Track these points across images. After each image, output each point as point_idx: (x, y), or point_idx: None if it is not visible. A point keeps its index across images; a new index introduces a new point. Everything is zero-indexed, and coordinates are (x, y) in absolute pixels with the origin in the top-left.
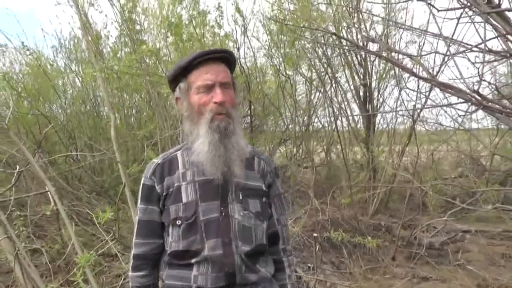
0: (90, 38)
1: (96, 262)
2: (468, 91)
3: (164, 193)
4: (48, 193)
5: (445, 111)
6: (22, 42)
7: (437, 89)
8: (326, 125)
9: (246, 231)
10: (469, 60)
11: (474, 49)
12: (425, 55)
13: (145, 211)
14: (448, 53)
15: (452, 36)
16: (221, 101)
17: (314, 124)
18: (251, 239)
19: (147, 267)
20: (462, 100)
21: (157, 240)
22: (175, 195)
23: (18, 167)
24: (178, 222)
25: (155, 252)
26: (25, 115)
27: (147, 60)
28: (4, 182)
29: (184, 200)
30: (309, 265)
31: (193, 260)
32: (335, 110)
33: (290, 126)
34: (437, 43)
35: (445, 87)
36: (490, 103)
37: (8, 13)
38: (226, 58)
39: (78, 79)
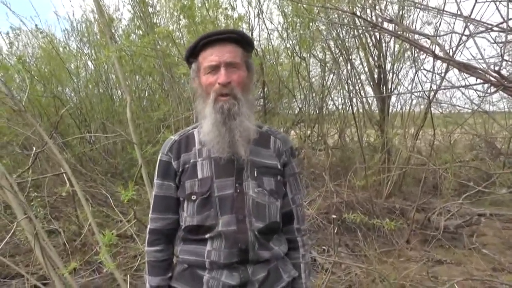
0: (104, 21)
1: (113, 243)
2: (487, 71)
3: (180, 169)
4: (64, 174)
5: (463, 93)
6: (36, 25)
7: (453, 71)
8: (340, 107)
9: (260, 208)
10: (491, 40)
11: (495, 28)
12: (442, 35)
13: (162, 186)
14: (466, 33)
15: (470, 15)
16: (224, 82)
17: (328, 106)
18: (265, 216)
19: (163, 242)
20: (480, 81)
21: (173, 216)
22: (191, 170)
23: (34, 148)
24: (193, 197)
25: (171, 228)
26: (39, 98)
27: (161, 43)
28: (20, 164)
29: (200, 175)
30: (324, 247)
31: (207, 235)
32: (349, 92)
33: (304, 108)
34: (454, 23)
35: (464, 67)
36: (511, 84)
37: None
38: (235, 39)
39: (91, 62)
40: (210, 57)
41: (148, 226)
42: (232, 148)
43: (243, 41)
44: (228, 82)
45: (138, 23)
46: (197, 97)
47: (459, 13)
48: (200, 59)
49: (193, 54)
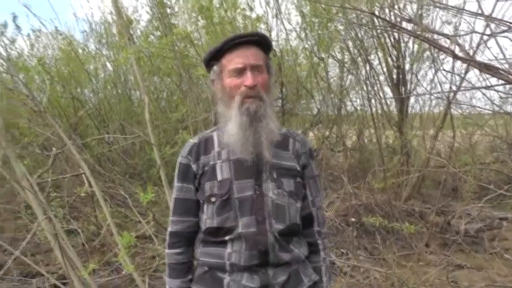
0: (123, 22)
1: (132, 244)
2: (509, 71)
3: (199, 172)
4: (83, 175)
5: (484, 94)
6: (56, 27)
7: (474, 71)
8: (359, 108)
9: (279, 209)
10: (511, 39)
11: None
12: (463, 35)
13: (181, 189)
14: (487, 32)
15: (492, 14)
16: (251, 85)
17: (347, 107)
18: (285, 217)
19: (183, 244)
20: (502, 82)
21: (193, 218)
22: (210, 173)
23: (54, 149)
24: (213, 199)
25: (191, 230)
26: (58, 99)
27: (179, 44)
28: (40, 164)
29: (219, 177)
30: (342, 250)
31: (227, 237)
32: (367, 93)
33: (322, 109)
34: (475, 22)
35: (485, 68)
36: None
37: None
38: (258, 41)
39: (109, 63)
40: (235, 59)
41: (168, 229)
42: (257, 150)
43: (264, 44)
44: (255, 85)
45: (156, 24)
46: (218, 99)
47: (480, 12)
48: (223, 62)
49: (215, 56)
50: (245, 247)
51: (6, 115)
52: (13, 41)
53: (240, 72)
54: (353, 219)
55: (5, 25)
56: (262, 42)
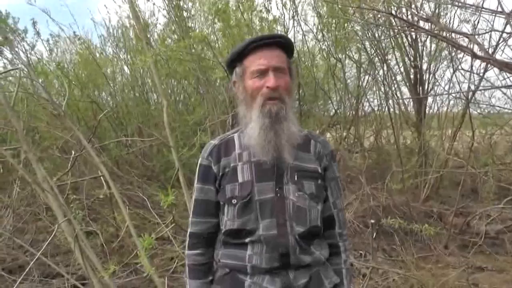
0: (141, 26)
1: (152, 246)
2: None
3: (220, 173)
4: (102, 177)
5: (504, 93)
6: (74, 32)
7: (494, 70)
8: (376, 109)
9: (300, 212)
10: None
11: None
12: (482, 34)
13: (202, 190)
14: (508, 30)
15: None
16: (274, 86)
17: (364, 108)
18: (305, 220)
19: (203, 245)
20: None
21: (213, 219)
22: (231, 174)
23: (73, 152)
24: (234, 201)
25: (211, 231)
26: (77, 103)
27: (195, 47)
28: (59, 167)
29: (240, 179)
30: (361, 252)
31: (247, 239)
32: (385, 93)
33: (339, 110)
34: (493, 20)
35: (506, 66)
36: None
37: (61, 4)
38: (281, 43)
39: (127, 66)
40: (258, 60)
41: (188, 230)
42: (277, 152)
43: (287, 47)
44: (277, 87)
45: (173, 28)
46: (239, 101)
47: (499, 9)
48: (246, 63)
49: (238, 57)
50: (265, 250)
51: (27, 119)
52: (33, 47)
53: (262, 73)
54: (372, 221)
55: (25, 31)
56: (285, 45)
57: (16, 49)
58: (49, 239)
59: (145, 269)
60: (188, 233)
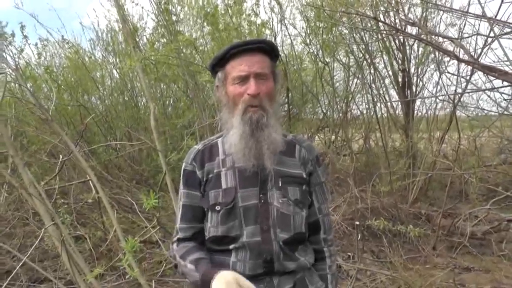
0: (128, 30)
1: (138, 249)
2: None
3: (204, 179)
4: (90, 181)
5: (489, 96)
6: (62, 36)
7: (479, 73)
8: (365, 112)
9: (284, 218)
10: None
11: None
12: (467, 37)
13: (188, 195)
14: (491, 35)
15: (496, 16)
16: (254, 93)
17: (353, 111)
18: (290, 226)
19: (192, 241)
20: (507, 83)
21: (200, 225)
22: (214, 180)
23: (61, 156)
24: (217, 207)
25: (199, 236)
26: (66, 107)
27: (184, 50)
28: (48, 171)
29: (224, 186)
30: (349, 253)
31: (231, 246)
32: (373, 96)
33: (328, 113)
34: (479, 24)
35: (489, 70)
36: None
37: (49, 8)
38: (263, 48)
39: (116, 70)
40: (239, 67)
41: (177, 236)
42: (258, 160)
43: (271, 51)
44: (258, 94)
45: (162, 32)
46: (222, 106)
47: (483, 14)
48: (228, 68)
49: (219, 62)
50: (249, 256)
51: (14, 123)
52: (21, 51)
53: (243, 79)
54: (357, 223)
55: (13, 35)
56: (268, 50)
57: (4, 53)
58: (36, 244)
59: (129, 272)
60: (175, 238)
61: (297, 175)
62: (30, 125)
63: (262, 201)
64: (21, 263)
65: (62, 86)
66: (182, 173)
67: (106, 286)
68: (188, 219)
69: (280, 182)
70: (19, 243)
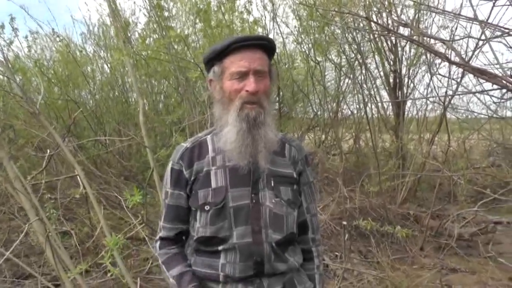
0: (119, 25)
1: (124, 246)
2: (504, 76)
3: (192, 178)
4: (78, 176)
5: (478, 98)
6: (53, 29)
7: (469, 76)
8: (355, 112)
9: (277, 219)
10: (508, 44)
11: None
12: (458, 39)
13: (172, 195)
14: (483, 38)
15: (487, 19)
16: (253, 91)
17: (343, 111)
18: (283, 227)
19: (174, 244)
20: (496, 87)
21: (183, 226)
22: (204, 179)
23: (48, 151)
24: (207, 207)
25: (181, 237)
26: (55, 101)
27: (175, 46)
28: (36, 165)
29: (213, 185)
30: (336, 253)
31: (220, 247)
32: (364, 97)
33: (319, 112)
34: (471, 27)
35: (479, 73)
36: None
37: (40, 0)
38: (263, 45)
39: (107, 65)
40: (239, 62)
41: (159, 234)
42: (254, 158)
43: (270, 49)
44: (257, 91)
45: (153, 27)
46: (215, 101)
47: (475, 17)
48: (226, 63)
49: (217, 56)
50: (239, 258)
51: (2, 116)
52: (10, 43)
53: (242, 76)
54: (344, 222)
55: (2, 27)
56: (268, 47)
57: None
58: (20, 239)
59: (111, 270)
60: (157, 237)
61: (288, 174)
62: (18, 118)
63: (254, 201)
64: (3, 258)
65: (52, 80)
66: (169, 171)
67: (91, 283)
68: (171, 219)
69: (272, 182)
70: (4, 238)
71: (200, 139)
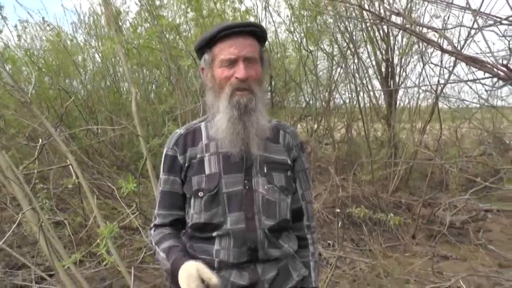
0: (110, 14)
1: (117, 235)
2: (496, 64)
3: (186, 164)
4: (70, 166)
5: (470, 87)
6: (43, 18)
7: (461, 65)
8: (347, 101)
9: (270, 205)
10: (499, 33)
11: (504, 22)
12: (450, 28)
13: (167, 181)
14: (475, 26)
15: (479, 8)
16: (243, 77)
17: (335, 100)
18: (275, 213)
19: (169, 229)
20: (488, 75)
21: (179, 212)
22: (198, 166)
23: (40, 140)
24: (201, 194)
25: (177, 224)
26: (47, 91)
27: (167, 35)
28: (27, 156)
29: (207, 171)
30: (329, 241)
31: (214, 233)
32: (356, 86)
33: (311, 102)
34: (463, 16)
35: (472, 61)
36: None
37: None
38: (254, 32)
39: (98, 54)
40: (228, 49)
41: (154, 222)
42: (245, 145)
43: (261, 35)
44: (246, 78)
45: (145, 16)
46: (207, 89)
47: (468, 6)
48: (215, 51)
49: (207, 44)
50: (234, 244)
51: None
52: None
53: (232, 63)
54: (338, 210)
55: None
56: (258, 33)
57: None
58: (13, 229)
59: (106, 259)
60: (152, 224)
61: (282, 161)
62: (9, 108)
63: (247, 187)
64: None
65: (43, 70)
66: (163, 158)
67: (85, 273)
68: (166, 206)
69: (265, 168)
70: None
71: (194, 126)
